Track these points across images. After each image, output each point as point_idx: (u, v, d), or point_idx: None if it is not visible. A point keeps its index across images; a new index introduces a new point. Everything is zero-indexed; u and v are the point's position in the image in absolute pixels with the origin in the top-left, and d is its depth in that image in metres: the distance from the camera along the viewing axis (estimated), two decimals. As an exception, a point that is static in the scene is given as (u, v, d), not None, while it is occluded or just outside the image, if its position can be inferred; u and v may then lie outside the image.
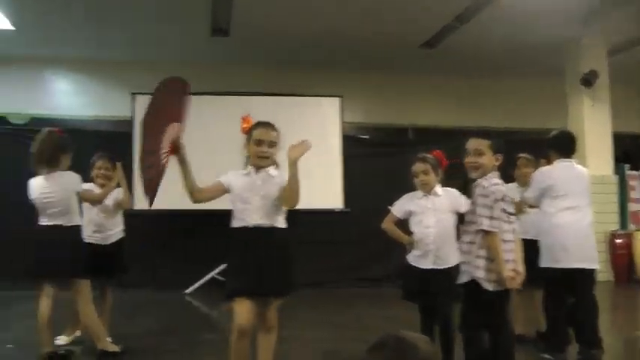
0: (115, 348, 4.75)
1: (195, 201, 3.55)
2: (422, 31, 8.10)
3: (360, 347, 4.89)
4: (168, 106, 3.50)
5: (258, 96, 8.16)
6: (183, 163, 3.44)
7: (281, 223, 3.64)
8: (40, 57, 9.02)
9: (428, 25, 7.86)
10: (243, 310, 3.47)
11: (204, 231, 7.67)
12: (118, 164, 5.06)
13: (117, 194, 5.07)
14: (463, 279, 3.62)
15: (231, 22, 7.63)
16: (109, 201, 5.03)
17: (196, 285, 8.15)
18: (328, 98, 8.80)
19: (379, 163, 9.05)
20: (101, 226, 5.07)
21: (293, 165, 3.38)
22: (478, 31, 7.91)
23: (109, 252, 5.08)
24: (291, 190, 3.44)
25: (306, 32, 8.02)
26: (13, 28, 7.69)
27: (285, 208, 3.65)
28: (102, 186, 5.01)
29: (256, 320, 3.58)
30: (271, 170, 3.63)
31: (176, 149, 3.36)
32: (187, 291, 8.11)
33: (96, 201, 4.85)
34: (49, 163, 4.57)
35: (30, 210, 4.81)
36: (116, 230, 5.22)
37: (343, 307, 7.27)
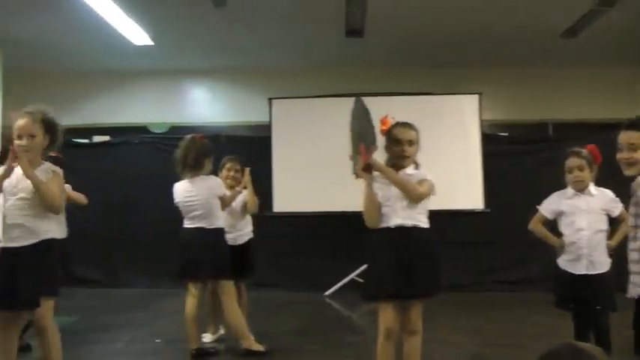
0: (259, 347, 4.84)
1: (372, 225, 3.58)
2: (562, 20, 7.66)
3: (505, 352, 4.72)
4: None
5: (396, 96, 8.06)
6: (370, 185, 3.53)
7: (423, 222, 3.57)
8: (178, 68, 9.33)
9: (568, 13, 7.42)
10: (388, 312, 3.47)
11: (342, 232, 7.68)
12: (247, 169, 5.20)
13: (244, 197, 5.20)
14: (632, 293, 3.09)
15: (366, 23, 7.59)
16: (237, 204, 5.18)
17: (337, 286, 8.15)
18: (467, 96, 8.55)
19: (518, 161, 8.67)
20: (231, 228, 5.18)
21: (378, 169, 3.51)
22: (626, 14, 7.35)
23: (239, 252, 5.18)
24: (401, 188, 3.48)
25: (441, 30, 7.81)
26: (152, 43, 8.02)
27: (426, 208, 3.60)
28: (230, 187, 5.15)
29: (400, 322, 3.53)
30: (409, 170, 3.60)
31: (367, 169, 3.49)
32: (327, 293, 8.13)
33: (223, 205, 4.94)
34: (193, 167, 4.74)
35: (172, 213, 5.01)
36: (246, 231, 5.36)
37: (482, 310, 7.03)
